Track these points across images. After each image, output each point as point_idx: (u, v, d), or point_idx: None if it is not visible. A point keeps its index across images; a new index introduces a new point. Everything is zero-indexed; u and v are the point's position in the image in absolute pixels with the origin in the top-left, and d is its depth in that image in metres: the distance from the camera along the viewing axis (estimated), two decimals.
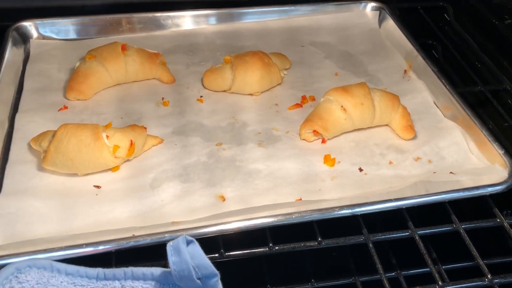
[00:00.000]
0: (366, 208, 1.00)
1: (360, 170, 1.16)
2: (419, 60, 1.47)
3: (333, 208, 0.99)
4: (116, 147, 1.10)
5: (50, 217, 1.00)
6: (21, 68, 1.41)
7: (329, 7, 1.70)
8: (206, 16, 1.61)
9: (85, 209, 1.03)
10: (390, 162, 1.19)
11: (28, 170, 1.11)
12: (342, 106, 1.22)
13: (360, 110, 1.22)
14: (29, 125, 1.21)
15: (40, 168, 1.11)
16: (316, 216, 0.98)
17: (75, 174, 1.11)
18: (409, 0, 1.80)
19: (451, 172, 1.13)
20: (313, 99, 1.36)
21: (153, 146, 1.20)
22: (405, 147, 1.23)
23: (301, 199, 1.06)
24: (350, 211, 0.99)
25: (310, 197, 1.07)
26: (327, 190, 1.10)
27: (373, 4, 1.69)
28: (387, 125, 1.28)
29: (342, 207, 1.00)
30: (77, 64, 1.33)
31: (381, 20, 1.67)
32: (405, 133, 1.24)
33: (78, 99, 1.30)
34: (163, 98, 1.34)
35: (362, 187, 1.11)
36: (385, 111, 1.25)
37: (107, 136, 1.10)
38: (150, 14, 1.58)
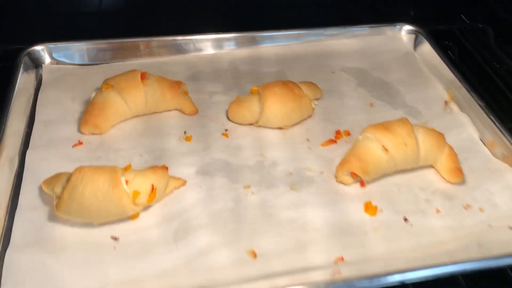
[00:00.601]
0: (418, 274, 0.89)
1: (405, 220, 1.05)
2: (463, 92, 1.35)
3: (382, 276, 0.88)
4: (136, 193, 1.00)
5: (63, 277, 0.90)
6: (32, 96, 1.31)
7: (360, 29, 1.59)
8: (229, 39, 1.50)
9: (103, 267, 0.93)
10: (438, 211, 1.07)
11: (39, 218, 1.01)
12: (383, 146, 1.11)
13: (403, 151, 1.10)
14: (40, 164, 1.11)
15: (52, 215, 1.01)
16: (365, 284, 0.87)
17: (91, 223, 1.00)
18: (445, 22, 1.68)
19: (510, 227, 1.01)
20: (348, 133, 1.25)
21: (176, 189, 1.09)
22: (452, 192, 1.11)
23: (342, 258, 0.95)
24: (400, 278, 0.88)
25: (353, 256, 0.96)
26: (371, 246, 0.98)
27: (408, 27, 1.58)
28: (431, 165, 1.17)
29: (391, 273, 0.88)
30: (93, 94, 1.23)
31: (417, 44, 1.56)
32: (453, 176, 1.12)
33: (94, 133, 1.20)
34: (185, 132, 1.23)
35: (409, 241, 1.00)
36: (430, 151, 1.13)
37: (126, 181, 1.00)
38: (170, 38, 1.47)
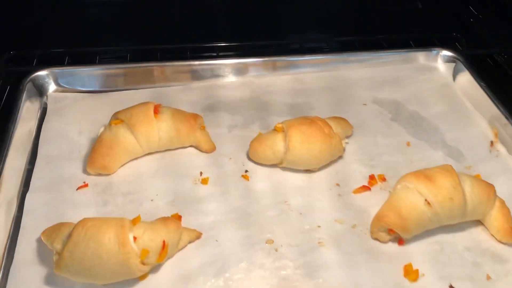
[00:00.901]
0: None
1: None
2: (509, 129, 1.21)
3: None
4: (145, 252, 0.88)
5: None
6: (35, 128, 1.21)
7: (391, 54, 1.45)
8: (250, 65, 1.38)
9: None
10: (488, 277, 0.93)
11: (36, 275, 0.90)
12: (425, 200, 0.98)
13: (448, 205, 0.97)
14: (40, 210, 1.00)
15: (51, 272, 0.90)
16: None
17: (94, 284, 0.89)
18: (486, 46, 1.54)
19: None
20: (383, 179, 1.12)
21: (190, 243, 0.97)
22: (505, 254, 0.98)
23: None
24: None
25: None
26: None
27: (446, 52, 1.44)
28: (479, 220, 1.03)
29: None
30: (101, 130, 1.12)
31: (455, 73, 1.42)
32: (505, 236, 0.98)
33: (101, 174, 1.09)
34: (201, 173, 1.11)
35: None
36: (478, 205, 1.00)
37: (134, 238, 0.88)
38: (186, 63, 1.36)
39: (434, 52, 1.45)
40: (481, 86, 1.33)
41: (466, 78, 1.39)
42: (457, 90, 1.37)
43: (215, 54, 1.48)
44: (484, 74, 1.40)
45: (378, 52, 1.46)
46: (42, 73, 1.28)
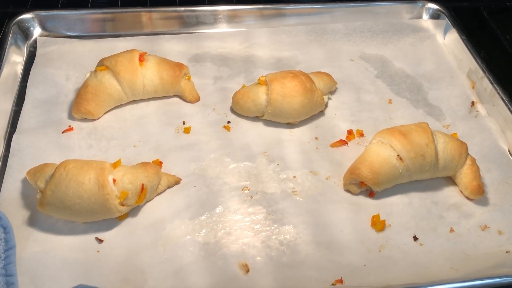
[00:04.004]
0: None
1: (415, 238, 0.96)
2: (486, 83, 1.22)
3: None
4: (124, 194, 0.92)
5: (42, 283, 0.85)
6: (21, 71, 1.22)
7: (377, 5, 1.44)
8: (238, 12, 1.38)
9: (85, 272, 0.87)
10: (451, 230, 0.98)
11: (21, 212, 0.95)
12: (398, 155, 1.01)
13: (420, 162, 1.00)
14: (27, 151, 1.04)
15: (35, 209, 0.94)
16: None
17: (75, 221, 0.94)
18: None
19: None
20: (361, 134, 1.14)
21: (169, 187, 1.01)
22: (470, 210, 1.02)
23: (341, 280, 0.87)
24: None
25: (352, 279, 0.88)
26: (373, 268, 0.90)
27: (431, 5, 1.43)
28: (449, 177, 1.07)
29: None
30: (87, 75, 1.14)
31: (440, 27, 1.40)
32: (472, 193, 1.02)
33: (86, 118, 1.12)
34: (184, 123, 1.14)
35: (416, 265, 0.91)
36: (449, 162, 1.03)
37: (114, 180, 0.92)
38: (172, 8, 1.36)
39: (419, 4, 1.44)
40: (462, 39, 1.33)
41: (450, 31, 1.38)
42: (443, 47, 1.37)
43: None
44: (468, 27, 1.40)
45: (363, 3, 1.44)
46: (27, 16, 1.29)
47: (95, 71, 1.12)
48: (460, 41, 1.34)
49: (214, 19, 1.37)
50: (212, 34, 1.36)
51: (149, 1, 1.47)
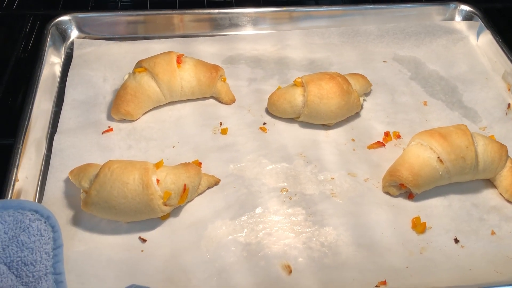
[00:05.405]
0: None
1: (456, 241, 0.96)
2: None
3: None
4: (167, 194, 0.93)
5: (89, 281, 0.86)
6: (60, 73, 1.24)
7: (409, 8, 1.43)
8: (267, 15, 1.39)
9: (130, 271, 0.88)
10: (493, 233, 0.97)
11: (65, 211, 0.96)
12: (438, 157, 1.00)
13: (460, 164, 1.00)
14: (68, 151, 1.06)
15: (78, 208, 0.96)
16: None
17: (118, 221, 0.95)
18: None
19: None
20: (398, 136, 1.14)
21: (209, 188, 1.02)
22: (510, 212, 1.01)
23: (385, 282, 0.87)
24: None
25: (395, 281, 0.88)
26: (415, 270, 0.90)
27: (464, 7, 1.42)
28: (488, 179, 1.06)
29: None
30: (126, 77, 1.15)
31: (474, 29, 1.39)
32: None
33: (125, 119, 1.13)
34: (221, 124, 1.15)
35: (458, 267, 0.91)
36: (489, 165, 1.02)
37: (157, 180, 0.93)
38: (205, 11, 1.37)
39: (452, 6, 1.44)
40: (496, 41, 1.32)
41: (484, 33, 1.37)
42: (476, 49, 1.36)
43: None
44: (500, 28, 1.39)
45: (394, 5, 1.44)
46: (65, 18, 1.31)
47: (134, 72, 1.14)
48: (495, 42, 1.33)
49: (246, 22, 1.38)
50: (245, 36, 1.37)
51: (177, 2, 1.49)
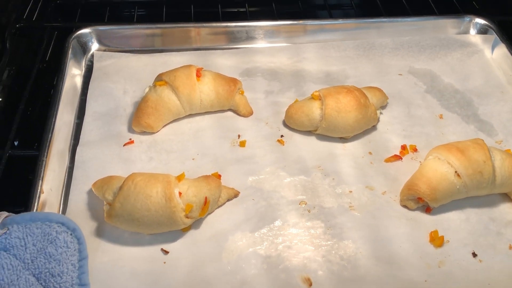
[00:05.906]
0: None
1: (474, 255, 0.96)
2: None
3: None
4: (189, 206, 0.95)
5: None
6: (81, 85, 1.27)
7: (423, 21, 1.45)
8: (281, 28, 1.41)
9: (153, 283, 0.90)
10: (510, 247, 0.98)
11: (88, 223, 0.98)
12: (455, 172, 1.01)
13: (478, 179, 1.01)
14: (90, 163, 1.08)
15: (101, 220, 0.98)
16: None
17: (141, 233, 0.97)
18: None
19: None
20: (414, 149, 1.15)
21: (228, 200, 1.04)
22: None
23: None
24: None
25: None
26: (434, 283, 0.91)
27: (479, 20, 1.43)
28: (505, 193, 1.07)
29: None
30: (146, 90, 1.17)
31: (489, 42, 1.40)
32: None
33: (145, 132, 1.15)
34: (239, 136, 1.16)
35: (477, 282, 0.92)
36: (506, 180, 1.03)
37: (180, 193, 0.95)
38: (222, 24, 1.40)
39: (467, 19, 1.45)
40: (511, 53, 1.34)
41: (499, 46, 1.38)
42: (491, 62, 1.37)
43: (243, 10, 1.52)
44: None
45: (409, 18, 1.46)
46: (85, 31, 1.34)
47: (154, 85, 1.16)
48: (510, 56, 1.34)
49: (263, 34, 1.40)
50: (261, 49, 1.39)
51: (192, 14, 1.52)
